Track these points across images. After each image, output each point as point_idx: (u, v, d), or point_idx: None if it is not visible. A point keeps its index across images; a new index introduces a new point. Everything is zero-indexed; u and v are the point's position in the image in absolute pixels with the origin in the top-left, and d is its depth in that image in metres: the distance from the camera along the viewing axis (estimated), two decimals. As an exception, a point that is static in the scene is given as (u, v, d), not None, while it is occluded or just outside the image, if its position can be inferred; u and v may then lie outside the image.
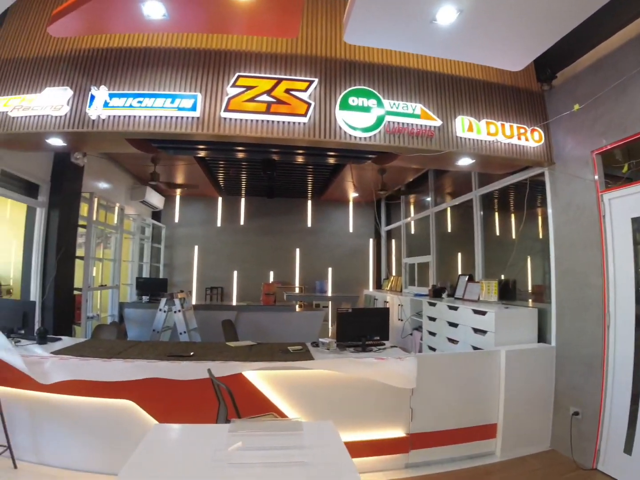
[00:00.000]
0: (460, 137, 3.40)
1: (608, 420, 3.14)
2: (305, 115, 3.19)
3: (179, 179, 6.67)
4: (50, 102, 3.16)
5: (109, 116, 3.15)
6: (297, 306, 6.25)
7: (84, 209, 5.23)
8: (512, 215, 4.58)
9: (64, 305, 4.70)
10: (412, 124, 3.30)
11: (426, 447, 3.22)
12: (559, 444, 3.49)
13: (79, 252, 5.06)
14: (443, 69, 3.55)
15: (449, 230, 6.00)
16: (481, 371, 3.45)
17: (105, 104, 3.15)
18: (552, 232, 3.76)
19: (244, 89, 3.22)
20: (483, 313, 3.82)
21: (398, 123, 3.28)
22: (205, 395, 2.60)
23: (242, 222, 7.72)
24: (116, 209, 6.15)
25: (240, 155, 4.30)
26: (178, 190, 7.37)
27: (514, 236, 4.39)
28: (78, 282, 4.99)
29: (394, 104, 3.29)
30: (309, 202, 7.90)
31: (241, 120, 3.19)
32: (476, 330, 3.91)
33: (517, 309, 3.92)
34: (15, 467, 2.81)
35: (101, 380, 2.81)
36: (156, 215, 7.55)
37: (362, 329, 3.46)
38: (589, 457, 3.21)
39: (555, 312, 3.69)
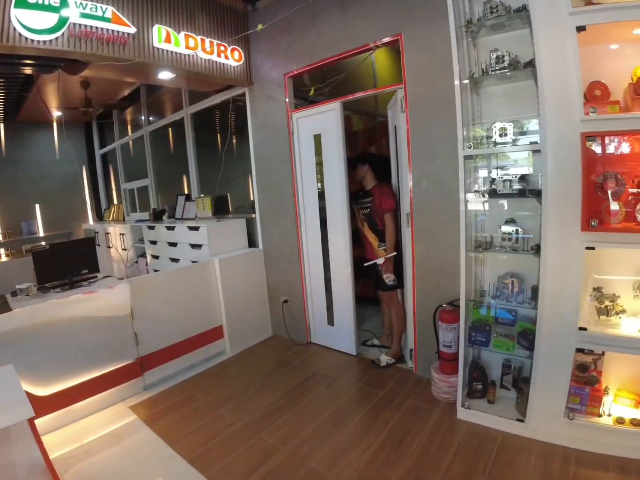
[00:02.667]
0: (157, 48, 3.16)
1: (311, 303, 3.99)
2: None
3: None
4: None
5: None
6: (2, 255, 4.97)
7: None
8: (223, 134, 4.80)
9: None
10: (101, 28, 2.82)
11: (159, 364, 3.36)
12: (279, 329, 4.23)
13: None
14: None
15: (169, 150, 5.83)
16: (199, 282, 3.71)
17: None
18: (252, 149, 4.18)
19: None
20: (197, 229, 4.04)
21: (85, 26, 2.74)
22: None
23: None
24: None
25: None
26: None
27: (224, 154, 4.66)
28: None
29: (82, 3, 2.71)
30: (1, 126, 6.00)
31: None
32: (193, 246, 4.14)
33: (228, 221, 4.30)
34: None
35: None
36: None
37: (67, 265, 3.11)
38: (303, 335, 4.05)
39: (259, 220, 4.26)
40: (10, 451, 1.41)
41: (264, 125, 4.02)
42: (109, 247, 5.81)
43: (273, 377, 3.35)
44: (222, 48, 3.64)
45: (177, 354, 3.50)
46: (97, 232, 6.14)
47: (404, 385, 3.04)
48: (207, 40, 3.50)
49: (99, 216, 6.94)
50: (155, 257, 4.83)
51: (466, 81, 2.40)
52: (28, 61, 2.76)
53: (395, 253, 3.27)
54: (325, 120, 3.54)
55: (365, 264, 3.40)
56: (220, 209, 4.66)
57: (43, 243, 5.67)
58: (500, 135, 2.35)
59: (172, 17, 3.28)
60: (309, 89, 3.70)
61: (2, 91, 5.01)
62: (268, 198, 4.16)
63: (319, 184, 3.75)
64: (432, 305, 2.95)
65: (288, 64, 3.71)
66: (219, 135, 5.12)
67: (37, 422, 2.60)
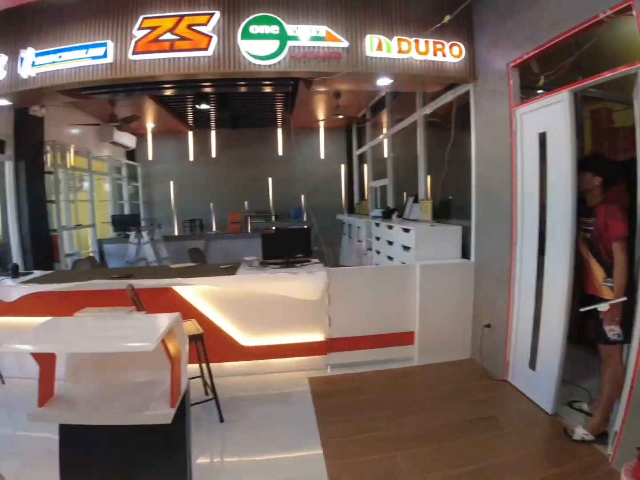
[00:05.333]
0: (370, 57, 3.35)
1: (515, 334, 3.32)
2: (207, 48, 3.22)
3: (148, 117, 6.75)
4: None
5: (37, 74, 3.40)
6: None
7: (54, 156, 5.53)
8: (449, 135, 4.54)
9: (42, 245, 5.19)
10: (317, 47, 3.27)
11: (344, 350, 3.65)
12: (477, 354, 3.75)
13: (53, 197, 5.44)
14: (354, -18, 3.40)
15: (409, 151, 5.99)
16: (397, 284, 3.74)
17: (33, 64, 3.39)
18: (474, 151, 3.80)
19: (149, 30, 3.26)
20: (408, 231, 4.04)
21: (303, 47, 3.26)
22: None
23: (213, 155, 7.86)
24: (84, 153, 6.40)
25: (168, 92, 4.39)
26: (149, 128, 7.49)
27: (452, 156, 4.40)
28: (55, 224, 5.43)
29: (297, 28, 3.24)
30: (279, 131, 7.87)
31: (148, 60, 3.28)
32: (405, 248, 4.16)
33: (442, 226, 4.10)
34: (3, 382, 3.41)
35: (44, 290, 3.25)
36: (131, 154, 7.75)
37: (286, 248, 3.77)
38: (499, 368, 3.44)
39: (474, 229, 3.85)
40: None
41: (487, 124, 3.60)
42: (350, 237, 6.59)
43: (445, 402, 3.07)
44: (439, 46, 3.46)
45: (362, 346, 3.70)
46: (344, 223, 7.04)
47: (588, 473, 2.21)
48: (422, 41, 3.41)
49: (351, 209, 7.91)
50: (378, 252, 5.16)
51: None
52: (266, 82, 3.47)
53: (625, 298, 2.35)
54: (550, 116, 2.84)
55: (582, 309, 2.57)
56: (441, 213, 4.49)
57: (273, 228, 6.92)
58: None
59: (385, 23, 3.39)
60: (538, 77, 3.04)
61: (268, 104, 6.33)
62: (484, 205, 3.72)
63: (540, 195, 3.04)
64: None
65: (511, 52, 3.17)
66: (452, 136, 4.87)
67: (235, 364, 3.47)
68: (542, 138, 2.98)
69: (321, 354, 3.63)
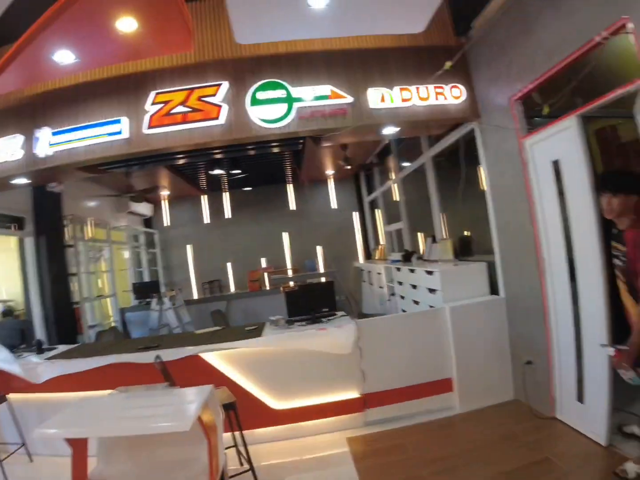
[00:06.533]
0: (374, 109, 3.47)
1: (558, 368, 3.14)
2: (218, 118, 3.38)
3: (163, 185, 7.01)
4: (5, 150, 3.60)
5: (55, 152, 3.54)
6: (282, 288, 6.55)
7: (73, 230, 5.70)
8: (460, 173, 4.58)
9: (65, 318, 5.22)
10: (322, 106, 3.41)
11: (381, 405, 3.45)
12: (520, 393, 3.52)
13: (74, 269, 5.55)
14: (350, 44, 3.59)
15: (420, 193, 6.03)
16: (429, 329, 3.60)
17: (50, 143, 3.54)
18: (488, 185, 3.79)
19: (162, 104, 3.44)
20: (431, 273, 3.95)
21: (309, 107, 3.40)
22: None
23: (228, 215, 8.04)
24: (103, 224, 6.61)
25: (182, 161, 4.57)
26: (165, 195, 7.76)
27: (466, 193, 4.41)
28: (77, 296, 5.49)
29: (302, 90, 3.39)
30: (290, 187, 8.08)
31: (162, 133, 3.44)
32: (430, 290, 4.05)
33: (466, 264, 4.01)
34: (31, 460, 3.27)
35: (75, 371, 3.21)
36: (148, 222, 7.98)
37: (311, 303, 3.70)
38: (547, 406, 3.22)
39: (500, 264, 3.75)
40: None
41: (496, 159, 3.62)
42: (370, 284, 6.49)
43: (495, 450, 2.84)
44: (440, 90, 3.58)
45: (400, 399, 3.50)
46: (362, 270, 6.98)
47: None
48: (423, 87, 3.53)
49: (368, 255, 7.88)
50: (402, 297, 5.04)
51: None
52: (276, 144, 3.59)
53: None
54: (561, 143, 2.86)
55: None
56: (462, 251, 4.42)
57: (292, 283, 6.88)
58: None
59: (385, 76, 3.55)
60: (542, 108, 3.09)
61: (278, 162, 6.50)
62: (507, 239, 3.66)
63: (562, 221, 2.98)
64: None
65: (512, 86, 3.26)
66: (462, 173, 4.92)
67: (268, 430, 3.29)
68: (556, 166, 2.97)
69: (358, 411, 3.42)
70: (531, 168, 3.22)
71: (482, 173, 3.86)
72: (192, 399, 1.65)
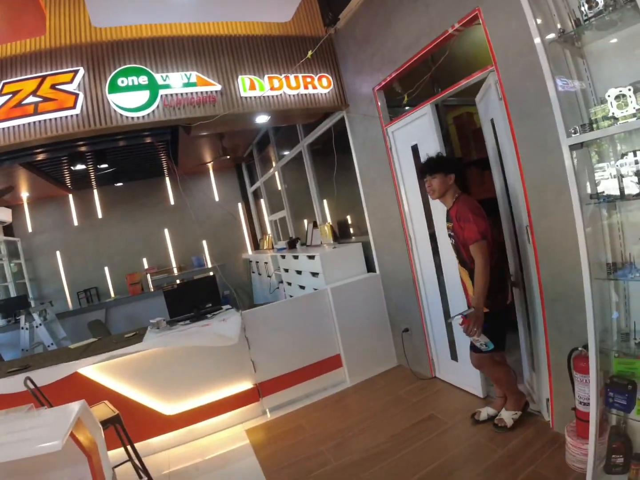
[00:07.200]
0: (245, 97, 3.42)
1: (432, 334, 3.54)
2: (74, 107, 3.01)
3: (22, 186, 6.01)
4: None
5: None
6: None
7: None
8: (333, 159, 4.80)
9: None
10: (190, 93, 3.25)
11: (276, 391, 3.51)
12: (402, 359, 3.88)
13: None
14: (220, 31, 3.47)
15: (300, 181, 6.17)
16: (313, 311, 3.74)
17: None
18: (357, 171, 4.05)
19: (10, 95, 2.93)
20: (312, 257, 4.10)
21: (175, 95, 3.21)
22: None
23: (100, 216, 7.24)
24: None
25: (41, 157, 3.99)
26: (24, 198, 6.67)
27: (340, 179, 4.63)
28: None
29: (166, 76, 3.19)
30: (168, 180, 7.59)
31: (9, 128, 2.94)
32: (313, 274, 4.20)
33: (344, 246, 4.24)
34: None
35: None
36: (8, 229, 6.76)
37: (193, 300, 3.58)
38: (426, 367, 3.62)
39: (373, 244, 4.06)
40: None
41: (364, 145, 3.87)
42: (259, 274, 6.49)
43: (385, 415, 3.10)
44: (309, 79, 3.67)
45: (294, 382, 3.59)
46: (251, 261, 6.94)
47: (533, 443, 2.39)
48: (292, 76, 3.58)
49: (256, 246, 7.85)
50: (289, 284, 5.14)
51: (551, 36, 1.78)
52: (143, 134, 3.33)
53: (486, 310, 2.29)
54: (419, 129, 3.17)
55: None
56: (342, 234, 4.65)
57: (178, 281, 6.63)
58: (619, 108, 1.64)
59: (256, 65, 3.50)
60: (402, 97, 3.38)
61: (150, 154, 6.04)
62: (377, 220, 3.96)
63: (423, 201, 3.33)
64: (566, 345, 2.22)
65: (374, 77, 3.50)
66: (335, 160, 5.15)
67: (164, 437, 3.11)
68: (415, 150, 3.29)
69: (253, 401, 3.43)
70: (394, 153, 3.52)
71: (354, 159, 4.09)
72: (62, 418, 1.49)
